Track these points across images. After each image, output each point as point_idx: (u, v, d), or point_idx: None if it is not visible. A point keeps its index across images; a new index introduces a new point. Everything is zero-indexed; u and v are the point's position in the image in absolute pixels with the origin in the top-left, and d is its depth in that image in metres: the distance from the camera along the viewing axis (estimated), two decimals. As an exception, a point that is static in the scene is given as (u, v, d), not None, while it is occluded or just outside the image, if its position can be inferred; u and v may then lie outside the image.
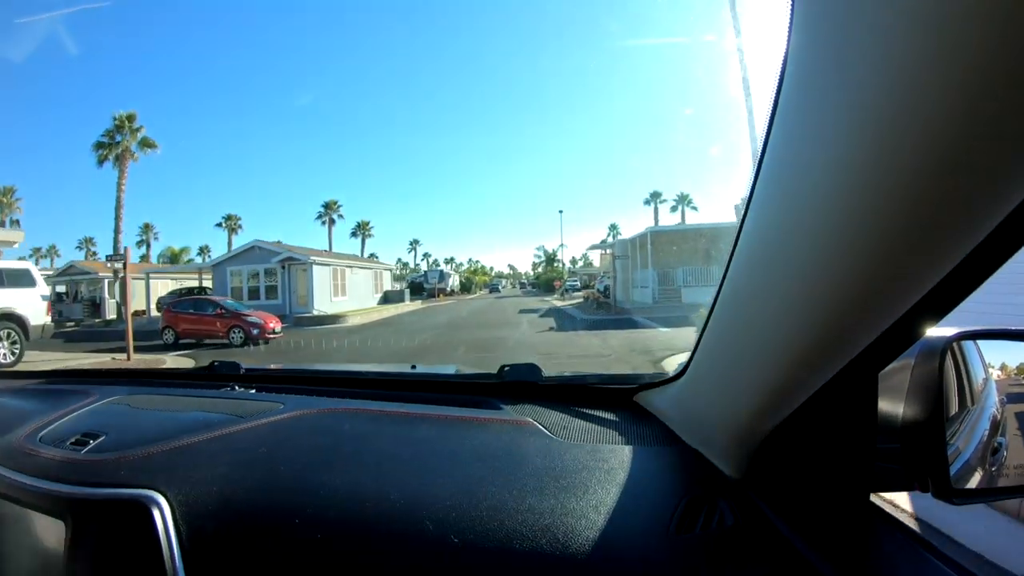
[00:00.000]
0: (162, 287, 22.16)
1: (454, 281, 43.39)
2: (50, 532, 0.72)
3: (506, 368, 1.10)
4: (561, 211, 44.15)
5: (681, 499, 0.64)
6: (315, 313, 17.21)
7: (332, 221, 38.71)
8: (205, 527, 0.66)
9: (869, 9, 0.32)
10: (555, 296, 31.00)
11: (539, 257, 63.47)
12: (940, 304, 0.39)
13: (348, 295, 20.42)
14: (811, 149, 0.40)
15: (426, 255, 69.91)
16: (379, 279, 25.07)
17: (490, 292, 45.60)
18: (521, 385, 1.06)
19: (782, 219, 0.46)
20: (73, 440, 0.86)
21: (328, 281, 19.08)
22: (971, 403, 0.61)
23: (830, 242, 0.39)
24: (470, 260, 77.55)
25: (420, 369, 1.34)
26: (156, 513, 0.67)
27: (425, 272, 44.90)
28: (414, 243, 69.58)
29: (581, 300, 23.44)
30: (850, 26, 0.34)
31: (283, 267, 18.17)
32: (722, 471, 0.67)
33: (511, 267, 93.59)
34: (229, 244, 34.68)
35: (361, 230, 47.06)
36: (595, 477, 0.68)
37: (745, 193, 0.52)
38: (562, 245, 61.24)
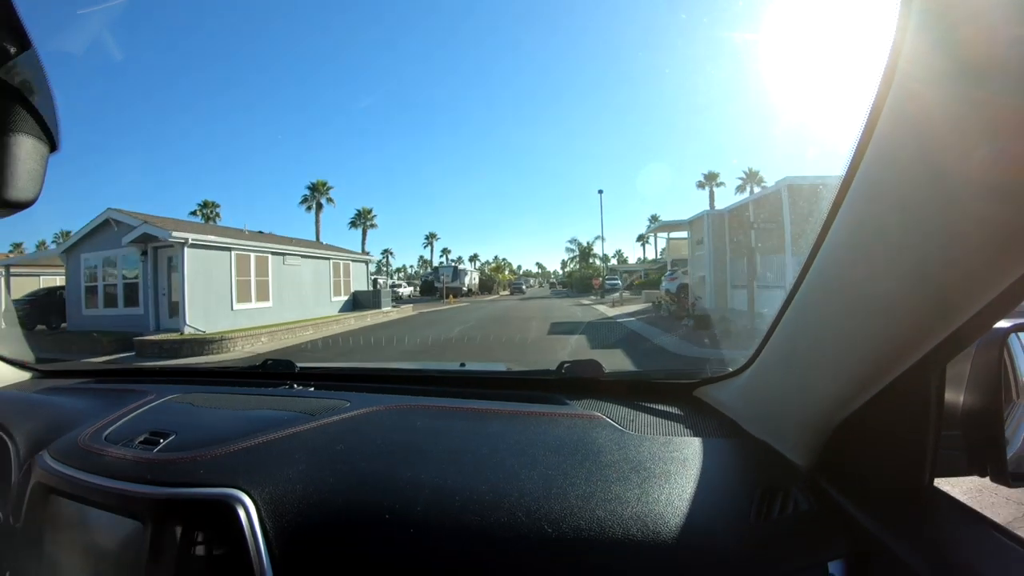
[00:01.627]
0: (42, 283, 15.47)
1: (471, 279, 36.10)
2: (124, 532, 0.70)
3: (566, 364, 1.13)
4: (601, 191, 35.52)
5: (756, 487, 0.66)
6: (186, 333, 9.78)
7: (320, 206, 31.67)
8: (291, 526, 0.66)
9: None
10: (595, 299, 22.99)
11: (572, 250, 55.40)
12: (1012, 298, 0.40)
13: (273, 299, 12.85)
14: (908, 153, 0.42)
15: (444, 251, 63.01)
16: (343, 274, 16.90)
17: (512, 293, 38.12)
18: (581, 381, 1.10)
19: (872, 220, 0.48)
20: (142, 439, 0.84)
21: (227, 276, 11.52)
22: (1016, 396, 0.64)
23: (917, 242, 0.42)
24: (495, 257, 70.40)
25: (471, 366, 1.34)
26: (242, 512, 0.66)
27: (436, 268, 37.78)
28: (430, 237, 62.82)
29: (647, 307, 15.20)
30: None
31: (144, 252, 10.76)
32: (791, 460, 0.70)
33: (539, 265, 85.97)
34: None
35: (362, 219, 40.18)
36: (672, 467, 0.71)
37: (833, 193, 0.52)
38: (600, 238, 52.66)
